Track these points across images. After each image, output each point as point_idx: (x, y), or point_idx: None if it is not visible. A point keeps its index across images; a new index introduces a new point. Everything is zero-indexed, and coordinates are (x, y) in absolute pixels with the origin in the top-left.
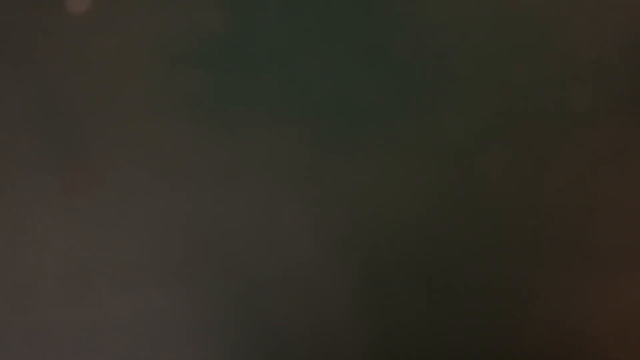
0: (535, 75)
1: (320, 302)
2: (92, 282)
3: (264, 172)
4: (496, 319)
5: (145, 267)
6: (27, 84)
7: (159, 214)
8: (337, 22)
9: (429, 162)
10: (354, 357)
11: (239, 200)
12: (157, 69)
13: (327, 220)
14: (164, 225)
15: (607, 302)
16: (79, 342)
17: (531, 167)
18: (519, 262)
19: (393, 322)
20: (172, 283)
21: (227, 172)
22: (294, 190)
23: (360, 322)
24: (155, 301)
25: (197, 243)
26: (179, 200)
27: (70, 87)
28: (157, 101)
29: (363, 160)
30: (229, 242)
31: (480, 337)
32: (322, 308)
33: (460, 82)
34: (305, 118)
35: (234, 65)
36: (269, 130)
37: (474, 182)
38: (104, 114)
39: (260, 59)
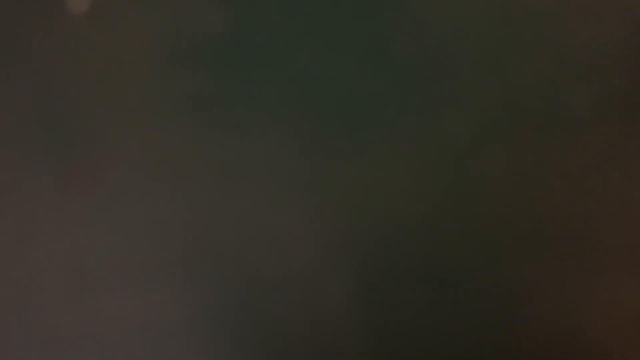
0: (535, 75)
1: (320, 302)
2: (92, 282)
3: (263, 172)
4: (496, 319)
5: (146, 267)
6: (27, 84)
7: (159, 214)
8: (337, 22)
9: (429, 163)
10: (353, 357)
11: (239, 200)
12: (157, 69)
13: (327, 220)
14: (164, 225)
15: (607, 302)
16: (79, 342)
17: (531, 167)
18: (519, 261)
19: (393, 322)
20: (172, 283)
21: (227, 171)
22: (294, 189)
23: (360, 322)
24: (155, 301)
25: (197, 243)
26: (179, 200)
27: (70, 87)
28: (157, 101)
29: (363, 160)
30: (229, 242)
31: (479, 336)
32: (322, 308)
33: (461, 82)
34: (305, 118)
35: (234, 65)
36: (268, 129)
37: (474, 182)
38: (103, 114)
39: (260, 58)
